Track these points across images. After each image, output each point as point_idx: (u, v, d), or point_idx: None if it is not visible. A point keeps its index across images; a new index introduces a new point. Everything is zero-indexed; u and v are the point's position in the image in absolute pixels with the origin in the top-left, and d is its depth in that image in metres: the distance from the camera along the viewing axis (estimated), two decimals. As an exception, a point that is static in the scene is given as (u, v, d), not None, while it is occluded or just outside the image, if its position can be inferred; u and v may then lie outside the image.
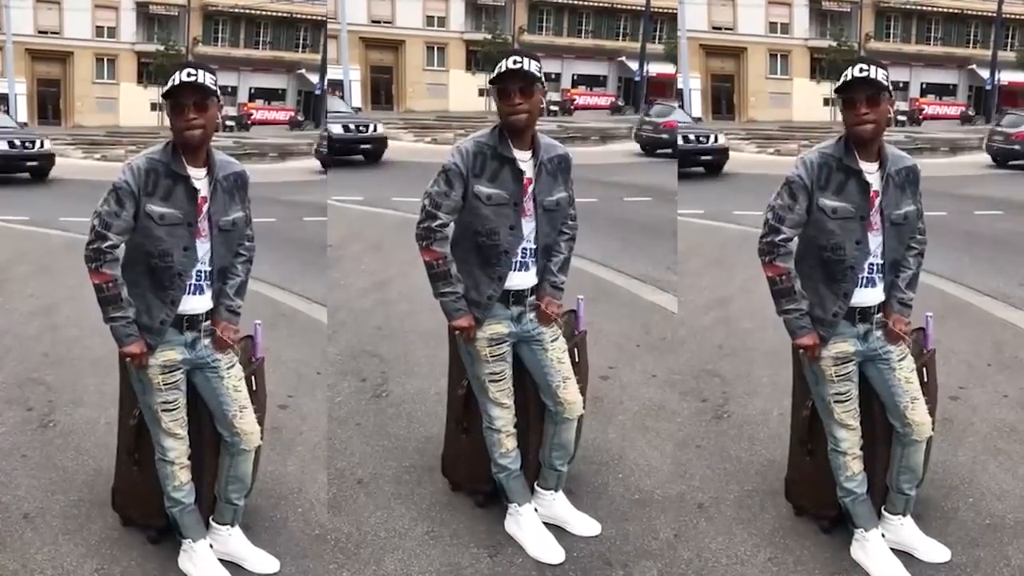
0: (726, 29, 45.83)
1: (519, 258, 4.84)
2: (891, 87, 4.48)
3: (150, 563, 4.78)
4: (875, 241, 4.56)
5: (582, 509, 5.19)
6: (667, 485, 5.55)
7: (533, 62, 4.66)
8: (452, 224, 4.77)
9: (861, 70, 4.42)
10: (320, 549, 4.93)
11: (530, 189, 4.79)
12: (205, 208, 4.48)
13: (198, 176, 4.47)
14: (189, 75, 4.34)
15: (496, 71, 4.69)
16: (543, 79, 4.73)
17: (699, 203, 15.42)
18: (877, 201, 4.52)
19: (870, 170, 4.52)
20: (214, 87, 4.41)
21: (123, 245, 4.42)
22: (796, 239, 4.58)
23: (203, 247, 4.51)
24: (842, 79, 4.46)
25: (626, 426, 6.39)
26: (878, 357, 4.64)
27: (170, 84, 4.38)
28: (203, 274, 4.54)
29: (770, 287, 4.58)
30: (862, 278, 4.57)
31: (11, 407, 6.79)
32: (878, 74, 4.40)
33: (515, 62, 4.64)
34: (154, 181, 4.39)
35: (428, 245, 4.75)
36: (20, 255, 12.88)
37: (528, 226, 4.83)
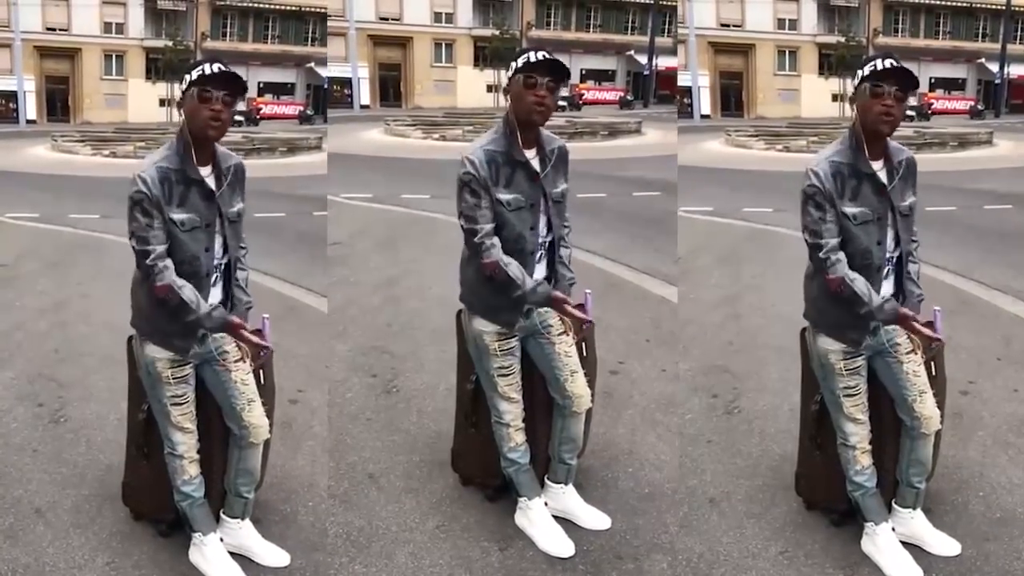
0: (734, 26, 45.82)
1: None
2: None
3: (161, 556, 4.79)
4: (889, 236, 4.57)
5: (592, 503, 5.19)
6: (677, 479, 5.56)
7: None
8: (494, 231, 4.69)
9: (893, 63, 4.38)
10: (330, 544, 4.93)
11: (540, 186, 4.80)
12: (216, 205, 4.49)
13: (207, 174, 4.47)
14: (221, 68, 4.35)
15: (524, 59, 4.65)
16: (568, 76, 4.74)
17: (708, 200, 15.41)
18: (888, 197, 4.52)
19: (878, 168, 4.52)
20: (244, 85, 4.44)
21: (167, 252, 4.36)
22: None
23: (217, 242, 4.53)
24: (870, 68, 4.41)
25: (636, 420, 6.39)
26: (886, 351, 4.63)
27: (199, 73, 4.35)
28: (217, 267, 4.55)
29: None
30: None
31: (22, 403, 6.81)
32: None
33: (545, 56, 4.64)
34: (169, 189, 4.36)
35: (483, 259, 4.70)
36: (30, 252, 12.90)
37: (542, 222, 4.84)
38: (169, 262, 4.37)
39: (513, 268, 4.72)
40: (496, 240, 4.71)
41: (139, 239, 4.36)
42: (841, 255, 4.47)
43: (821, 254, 4.47)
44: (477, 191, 4.68)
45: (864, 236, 4.49)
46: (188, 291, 4.38)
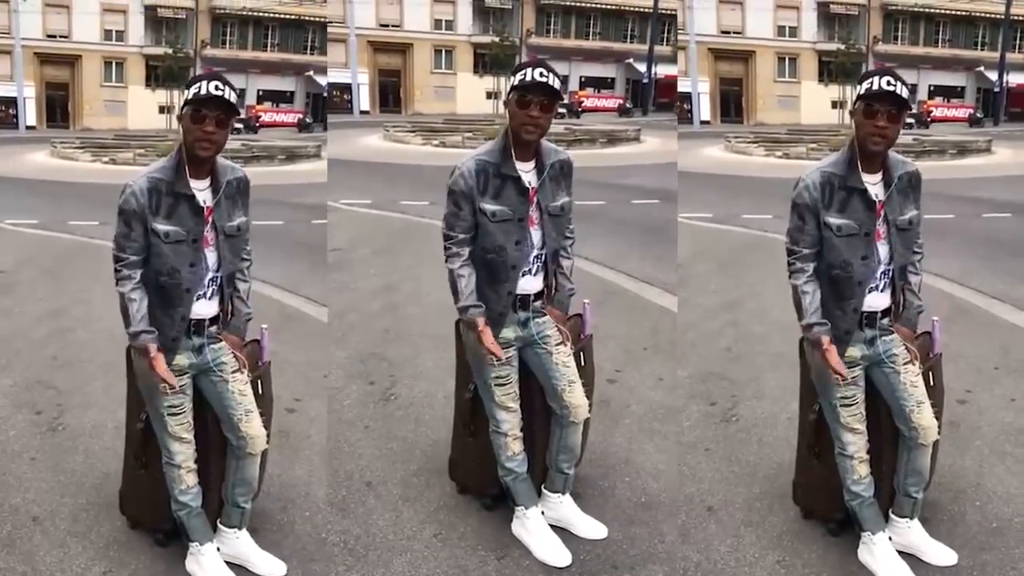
0: (734, 33, 45.86)
1: (527, 266, 4.85)
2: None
3: (158, 566, 4.79)
4: (884, 250, 4.55)
5: (589, 512, 5.19)
6: (674, 488, 5.56)
7: (557, 79, 4.64)
8: (468, 240, 4.76)
9: (889, 83, 4.36)
10: (327, 552, 4.93)
11: (535, 199, 4.80)
12: (211, 219, 4.48)
13: (201, 188, 4.46)
14: (217, 88, 4.33)
15: (520, 76, 4.64)
16: (562, 96, 4.74)
17: (707, 207, 15.42)
18: (883, 212, 4.51)
19: (873, 182, 4.50)
20: (238, 106, 4.43)
21: (140, 263, 4.40)
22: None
23: (212, 256, 4.52)
24: (866, 86, 4.40)
25: (633, 429, 6.39)
26: (884, 361, 4.64)
27: (195, 91, 4.34)
28: (213, 280, 4.55)
29: None
30: (871, 286, 4.57)
31: (20, 410, 6.81)
32: (903, 91, 4.36)
33: (542, 75, 4.60)
34: (156, 201, 4.38)
35: (445, 261, 4.79)
36: (29, 259, 12.91)
37: (536, 235, 4.84)
38: (136, 272, 4.39)
39: (462, 282, 4.74)
40: (464, 249, 4.76)
41: (117, 246, 4.43)
42: (808, 265, 4.52)
43: (790, 258, 4.56)
44: (459, 202, 4.74)
45: (846, 249, 4.49)
46: (135, 306, 4.39)
